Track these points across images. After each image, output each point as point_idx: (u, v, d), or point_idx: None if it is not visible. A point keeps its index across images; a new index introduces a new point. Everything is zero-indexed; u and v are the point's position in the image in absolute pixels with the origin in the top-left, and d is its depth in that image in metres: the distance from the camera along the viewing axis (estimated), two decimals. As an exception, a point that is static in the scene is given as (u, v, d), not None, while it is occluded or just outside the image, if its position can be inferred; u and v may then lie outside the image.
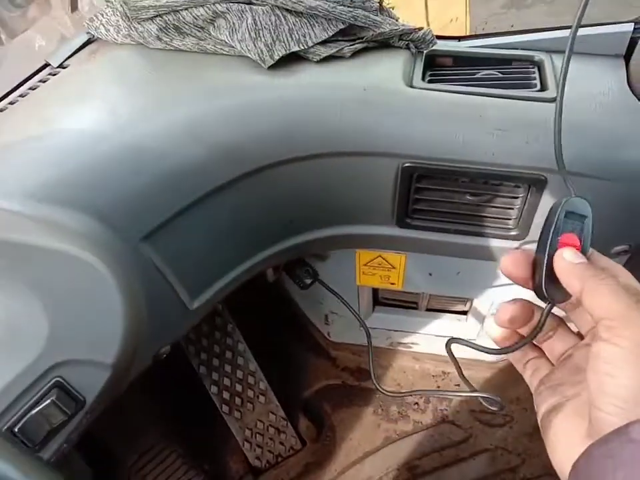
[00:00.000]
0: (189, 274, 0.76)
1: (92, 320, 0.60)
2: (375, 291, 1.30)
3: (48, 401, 0.57)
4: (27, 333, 0.58)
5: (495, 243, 0.83)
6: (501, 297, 1.09)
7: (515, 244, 0.82)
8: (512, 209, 0.78)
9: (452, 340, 0.60)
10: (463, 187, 0.77)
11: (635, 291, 0.44)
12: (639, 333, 0.40)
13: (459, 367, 0.65)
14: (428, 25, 1.54)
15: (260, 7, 0.74)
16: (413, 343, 1.46)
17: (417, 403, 1.51)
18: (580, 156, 0.69)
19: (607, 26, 0.78)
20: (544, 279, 0.48)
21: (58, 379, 0.59)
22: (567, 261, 0.46)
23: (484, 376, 1.46)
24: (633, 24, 0.76)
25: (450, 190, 0.78)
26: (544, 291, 0.48)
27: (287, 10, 0.74)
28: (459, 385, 1.49)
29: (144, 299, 0.67)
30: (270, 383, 1.49)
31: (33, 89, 0.80)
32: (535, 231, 0.79)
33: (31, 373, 0.57)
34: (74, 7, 0.94)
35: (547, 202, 0.74)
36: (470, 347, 0.56)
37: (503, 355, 1.34)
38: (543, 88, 0.74)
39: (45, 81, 0.81)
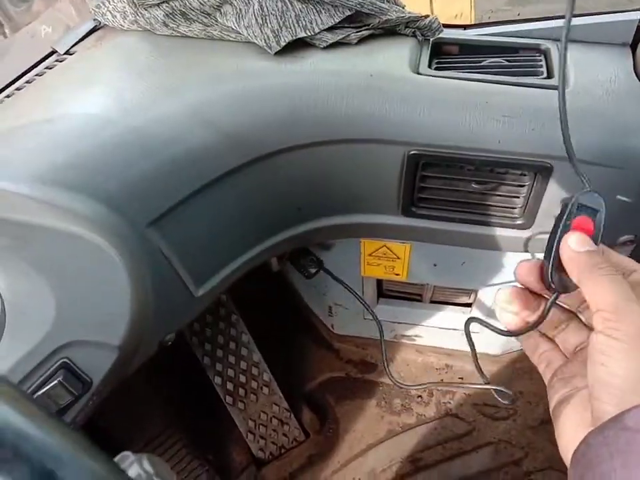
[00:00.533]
0: (195, 261, 0.77)
1: (99, 301, 0.61)
2: (379, 283, 1.30)
3: (55, 382, 0.58)
4: (34, 314, 0.58)
5: (500, 232, 0.83)
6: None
7: (521, 233, 0.82)
8: (518, 197, 0.78)
9: (471, 319, 0.60)
10: (468, 175, 0.77)
11: None
12: (633, 325, 0.41)
13: (474, 350, 0.65)
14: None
15: (267, -7, 0.74)
16: (416, 336, 1.47)
17: (420, 396, 1.51)
18: (587, 143, 0.69)
19: (613, 14, 0.78)
20: (551, 268, 0.48)
21: (65, 360, 0.59)
22: (571, 248, 0.47)
23: (488, 369, 1.46)
24: (640, 12, 0.76)
25: (456, 178, 0.78)
26: (549, 278, 0.48)
27: (294, -4, 0.74)
28: (462, 378, 1.50)
29: (150, 284, 0.67)
30: (273, 374, 1.50)
31: (40, 75, 0.80)
32: (541, 220, 0.79)
33: (38, 353, 0.58)
34: (81, -6, 0.94)
35: (553, 190, 0.74)
36: (486, 327, 0.56)
37: (507, 349, 1.35)
38: (550, 75, 0.74)
39: (51, 68, 0.81)
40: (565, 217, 0.48)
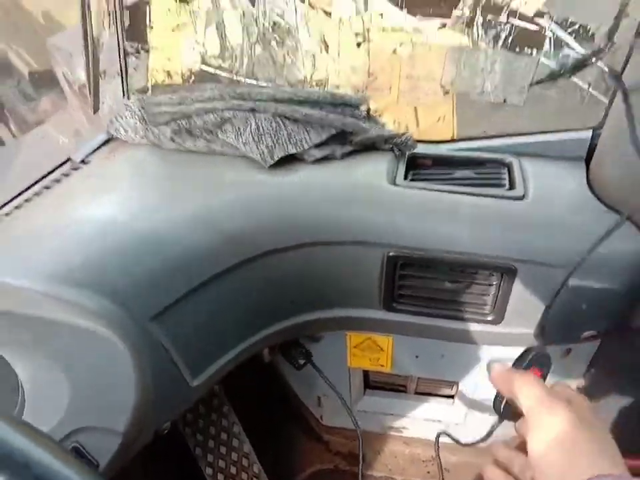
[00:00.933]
0: (192, 352, 0.81)
1: (108, 391, 0.66)
2: (366, 374, 1.35)
3: (67, 465, 0.62)
4: (50, 402, 0.63)
5: (474, 327, 0.90)
6: (484, 380, 1.14)
7: (492, 328, 0.88)
8: (487, 295, 0.85)
9: (440, 434, 0.77)
10: (442, 275, 0.85)
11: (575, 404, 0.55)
12: (561, 419, 0.51)
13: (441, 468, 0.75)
14: (417, 123, 1.65)
15: (262, 114, 0.84)
16: (403, 427, 1.49)
17: (408, 488, 1.52)
18: (549, 248, 0.77)
19: (569, 132, 0.88)
20: (503, 402, 0.65)
21: (75, 444, 0.64)
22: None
23: (473, 461, 1.48)
24: (592, 130, 0.86)
25: (431, 277, 0.86)
26: (495, 406, 0.66)
27: (286, 117, 0.84)
28: (448, 471, 1.51)
29: (150, 375, 0.71)
30: (263, 465, 1.49)
31: (57, 181, 0.88)
32: (510, 316, 0.86)
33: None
34: (96, 108, 1.04)
35: (518, 289, 0.82)
36: (453, 440, 0.74)
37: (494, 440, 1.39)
38: (512, 187, 0.83)
39: (67, 175, 0.90)
40: (523, 363, 0.66)
